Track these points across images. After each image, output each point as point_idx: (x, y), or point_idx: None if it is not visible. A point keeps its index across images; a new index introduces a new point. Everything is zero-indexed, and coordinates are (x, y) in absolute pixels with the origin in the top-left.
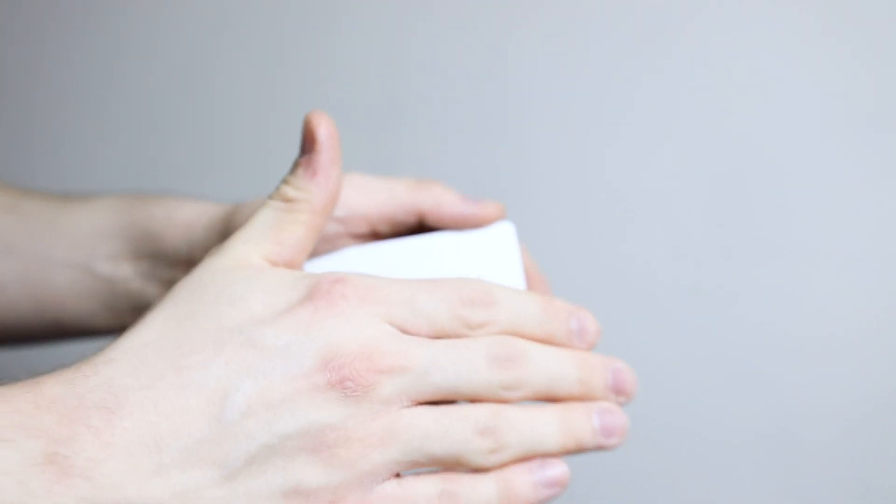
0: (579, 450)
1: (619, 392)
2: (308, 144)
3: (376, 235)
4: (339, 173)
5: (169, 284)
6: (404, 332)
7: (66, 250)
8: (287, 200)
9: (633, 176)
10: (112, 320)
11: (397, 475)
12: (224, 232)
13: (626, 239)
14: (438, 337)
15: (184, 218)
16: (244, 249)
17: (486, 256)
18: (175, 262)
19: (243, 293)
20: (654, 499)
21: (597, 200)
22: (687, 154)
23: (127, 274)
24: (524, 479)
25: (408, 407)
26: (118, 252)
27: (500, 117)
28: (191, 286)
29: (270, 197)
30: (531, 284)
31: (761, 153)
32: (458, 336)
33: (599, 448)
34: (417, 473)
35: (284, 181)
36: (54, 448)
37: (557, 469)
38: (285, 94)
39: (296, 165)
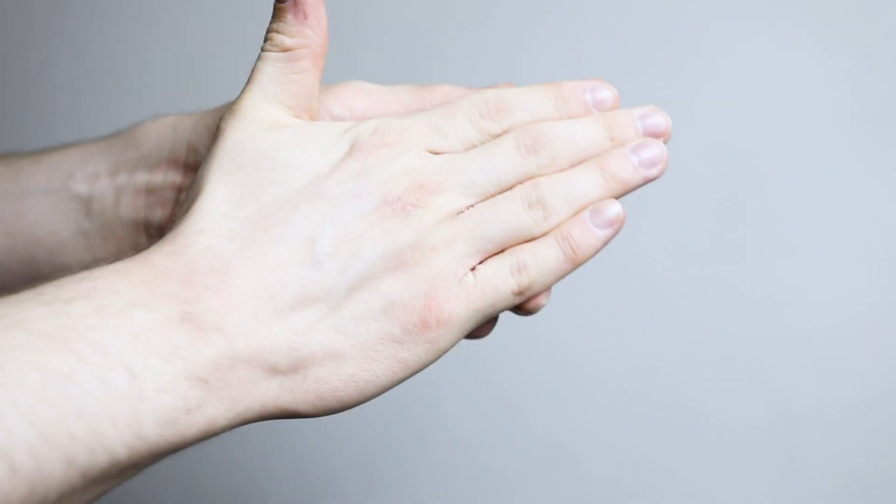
0: (626, 189)
1: (653, 135)
2: None
3: None
4: (325, 11)
5: (147, 191)
6: (441, 153)
7: (46, 178)
8: (285, 49)
9: None
10: (84, 252)
11: (474, 269)
12: (215, 122)
13: (630, 236)
14: (471, 148)
15: (170, 119)
16: (267, 109)
17: None
18: (156, 164)
19: (297, 155)
20: (656, 495)
21: None
22: (689, 153)
23: (104, 190)
24: (580, 228)
25: (464, 210)
26: (97, 169)
27: None
28: (239, 156)
29: (264, 49)
30: None
31: (765, 152)
32: (486, 143)
33: (646, 181)
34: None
35: (274, 30)
36: (185, 308)
37: (610, 209)
38: None
39: (280, 12)
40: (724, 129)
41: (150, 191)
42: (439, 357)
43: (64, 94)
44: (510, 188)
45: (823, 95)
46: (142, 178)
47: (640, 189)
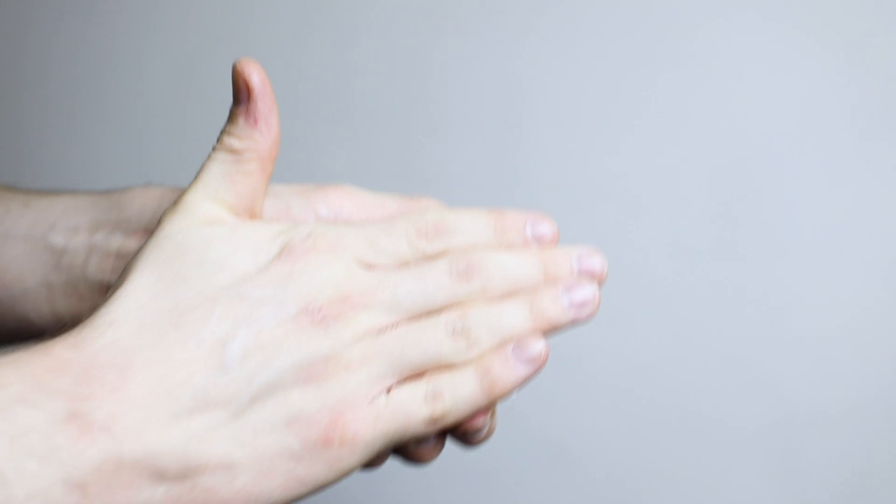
0: (553, 328)
1: (588, 276)
2: (242, 93)
3: None
4: (278, 118)
5: (118, 255)
6: (372, 268)
7: (29, 224)
8: (233, 151)
9: (637, 175)
10: (44, 305)
11: (389, 390)
12: None
13: (629, 236)
14: (404, 267)
15: (159, 190)
16: (206, 206)
17: None
18: (135, 230)
19: (226, 253)
20: (656, 495)
21: (601, 199)
22: (691, 154)
23: (78, 245)
24: (501, 362)
25: (386, 330)
26: (78, 223)
27: (509, 116)
28: (169, 248)
29: (215, 149)
30: None
31: (765, 153)
32: (421, 263)
33: (574, 322)
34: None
35: (226, 132)
36: (75, 406)
37: (534, 347)
38: (293, 99)
39: (234, 115)
40: (723, 130)
41: (120, 255)
42: (340, 478)
43: (60, 96)
44: (437, 312)
45: (823, 96)
46: (116, 240)
47: (643, 189)
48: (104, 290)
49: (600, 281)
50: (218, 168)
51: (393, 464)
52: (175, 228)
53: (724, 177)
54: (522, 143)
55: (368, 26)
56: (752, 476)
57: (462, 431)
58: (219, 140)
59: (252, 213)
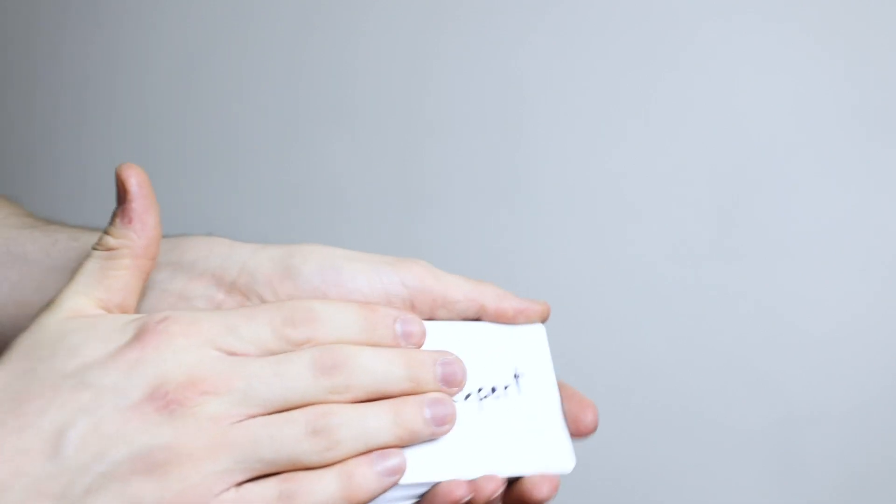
0: (413, 440)
1: (449, 384)
2: (121, 195)
3: None
4: (156, 218)
5: (180, 296)
6: (232, 355)
7: (78, 257)
8: (108, 249)
9: (636, 176)
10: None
11: (239, 485)
12: (281, 279)
13: (630, 238)
14: (264, 356)
15: (227, 240)
16: (76, 301)
17: (522, 351)
18: (200, 274)
19: (78, 343)
20: (656, 495)
21: (602, 200)
22: (691, 155)
23: (80, 244)
24: (365, 469)
25: (239, 421)
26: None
27: (509, 116)
28: (28, 343)
29: (93, 247)
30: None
31: (764, 154)
32: (284, 353)
33: (433, 437)
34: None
35: (105, 231)
36: None
37: (396, 459)
38: (293, 99)
39: (113, 216)
40: (723, 132)
41: (182, 296)
42: None
43: (67, 96)
44: (296, 408)
45: (822, 97)
46: (179, 282)
47: (645, 190)
48: None
49: (458, 388)
50: (92, 265)
51: None
52: (41, 324)
53: (724, 178)
54: (522, 144)
55: (368, 26)
56: (752, 476)
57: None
58: (98, 239)
59: (124, 309)
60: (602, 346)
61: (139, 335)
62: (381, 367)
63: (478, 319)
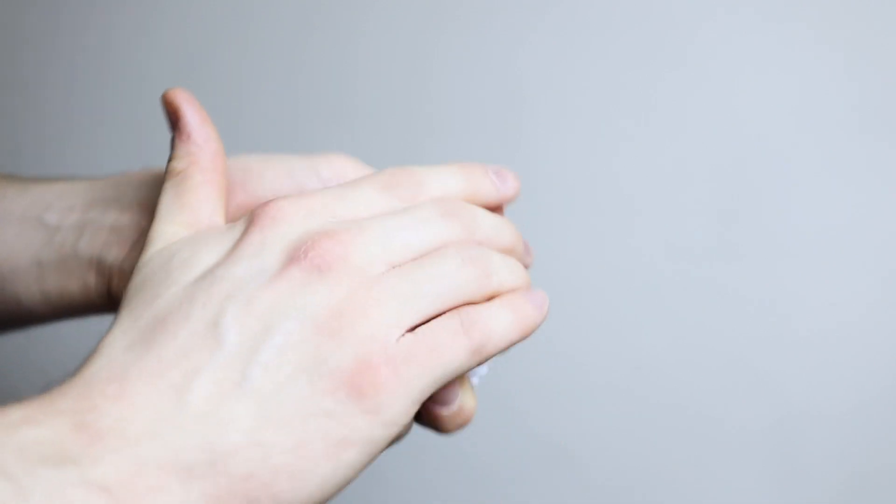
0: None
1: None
2: (173, 117)
3: None
4: (214, 130)
5: (111, 229)
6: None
7: (25, 207)
8: (176, 173)
9: (637, 174)
10: (33, 283)
11: (413, 329)
12: None
13: (630, 237)
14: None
15: (156, 170)
16: (165, 230)
17: None
18: (129, 204)
19: (189, 255)
20: (656, 495)
21: (602, 197)
22: (691, 153)
23: (71, 222)
24: (524, 302)
25: (388, 269)
26: (73, 203)
27: (509, 116)
28: (138, 280)
29: (165, 180)
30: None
31: (765, 152)
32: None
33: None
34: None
35: (168, 160)
36: (79, 418)
37: (539, 295)
38: (293, 99)
39: (171, 142)
40: (723, 130)
41: (114, 229)
42: (394, 432)
43: (58, 95)
44: (437, 252)
45: (823, 95)
46: (111, 216)
47: (644, 188)
48: (93, 266)
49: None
50: (166, 194)
51: (392, 463)
52: (142, 262)
53: (724, 177)
54: (522, 144)
55: (368, 26)
56: (752, 476)
57: (435, 413)
58: (165, 171)
59: (211, 225)
60: (601, 344)
61: (253, 223)
62: (494, 222)
63: None
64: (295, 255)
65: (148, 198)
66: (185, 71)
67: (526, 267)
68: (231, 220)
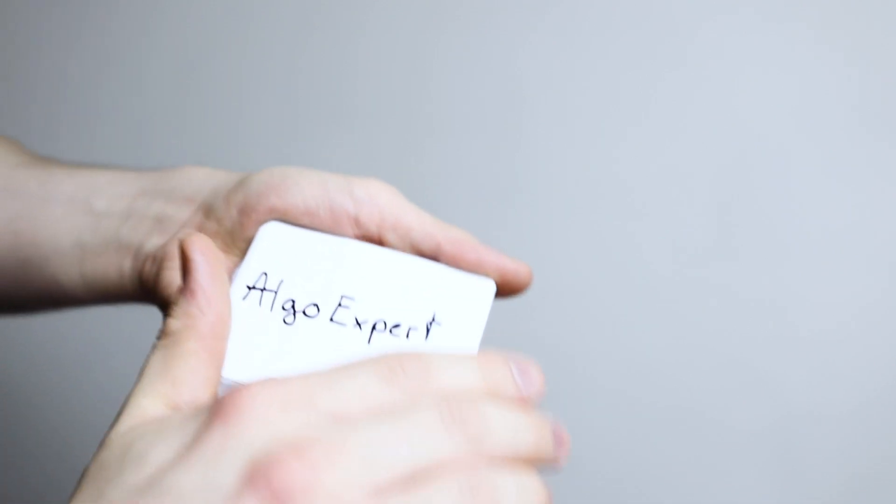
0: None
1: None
2: (184, 268)
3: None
4: (224, 291)
5: (156, 219)
6: (337, 417)
7: (73, 189)
8: (170, 334)
9: (637, 175)
10: (72, 266)
11: None
12: (234, 191)
13: (630, 236)
14: (378, 414)
15: (208, 168)
16: (140, 405)
17: (451, 300)
18: (178, 198)
19: (143, 450)
20: (656, 495)
21: (603, 198)
22: (691, 153)
23: (118, 209)
24: None
25: (368, 496)
26: (124, 191)
27: (509, 116)
28: (94, 467)
29: (157, 338)
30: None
31: (764, 153)
32: (401, 408)
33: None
34: None
35: (165, 314)
36: None
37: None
38: (293, 99)
39: (175, 295)
40: (723, 130)
41: (158, 219)
42: None
43: (57, 94)
44: (432, 473)
45: (823, 95)
46: (157, 206)
47: (645, 188)
48: (131, 252)
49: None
50: (155, 358)
51: None
52: (105, 443)
53: (724, 177)
54: (522, 143)
55: (368, 26)
56: (751, 476)
57: None
58: (160, 329)
59: (196, 398)
60: (601, 344)
61: (214, 414)
62: (510, 426)
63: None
64: (254, 477)
65: (195, 193)
66: (185, 71)
67: (555, 463)
68: (255, 226)
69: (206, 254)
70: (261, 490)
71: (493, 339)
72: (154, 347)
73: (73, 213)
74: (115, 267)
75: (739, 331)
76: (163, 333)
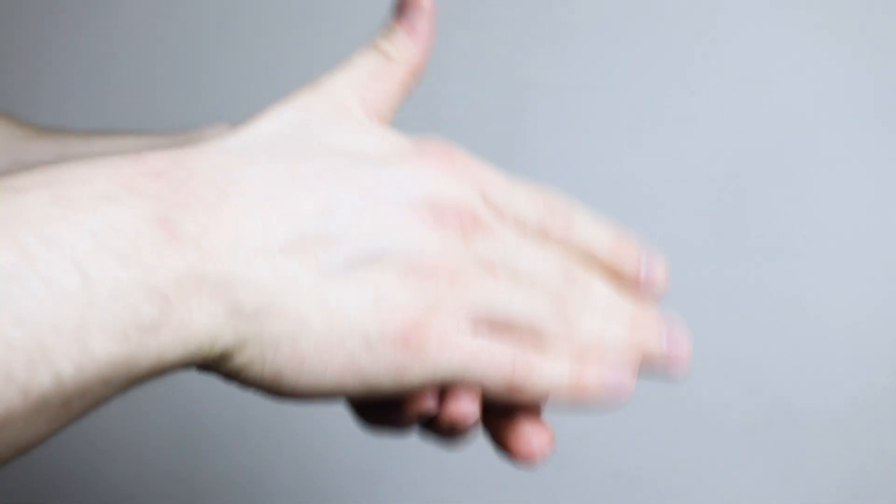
0: (646, 360)
1: (672, 357)
2: (408, 6)
3: None
4: (433, 43)
5: None
6: (496, 211)
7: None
8: (386, 55)
9: (640, 174)
10: None
11: (475, 328)
12: None
13: (632, 235)
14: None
15: (226, 125)
16: (344, 94)
17: None
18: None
19: (351, 130)
20: (655, 495)
21: (602, 198)
22: (692, 153)
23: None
24: (596, 370)
25: (495, 269)
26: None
27: (510, 116)
28: (297, 120)
29: (366, 48)
30: None
31: (765, 152)
32: (537, 240)
33: (665, 362)
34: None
35: (382, 37)
36: (164, 212)
37: (627, 381)
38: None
39: (393, 27)
40: (727, 128)
41: None
42: (394, 391)
43: (55, 94)
44: (537, 296)
45: (826, 95)
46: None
47: (645, 188)
48: None
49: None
50: (366, 62)
51: (394, 463)
52: (309, 103)
53: (724, 177)
54: (523, 143)
55: (368, 26)
56: (751, 476)
57: (449, 423)
58: (373, 43)
59: (382, 118)
60: None
61: (422, 149)
62: (613, 304)
63: None
64: (435, 205)
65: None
66: (185, 70)
67: (667, 367)
68: None
69: (432, 4)
70: (436, 214)
71: None
72: (362, 53)
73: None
74: None
75: (739, 328)
76: (376, 49)
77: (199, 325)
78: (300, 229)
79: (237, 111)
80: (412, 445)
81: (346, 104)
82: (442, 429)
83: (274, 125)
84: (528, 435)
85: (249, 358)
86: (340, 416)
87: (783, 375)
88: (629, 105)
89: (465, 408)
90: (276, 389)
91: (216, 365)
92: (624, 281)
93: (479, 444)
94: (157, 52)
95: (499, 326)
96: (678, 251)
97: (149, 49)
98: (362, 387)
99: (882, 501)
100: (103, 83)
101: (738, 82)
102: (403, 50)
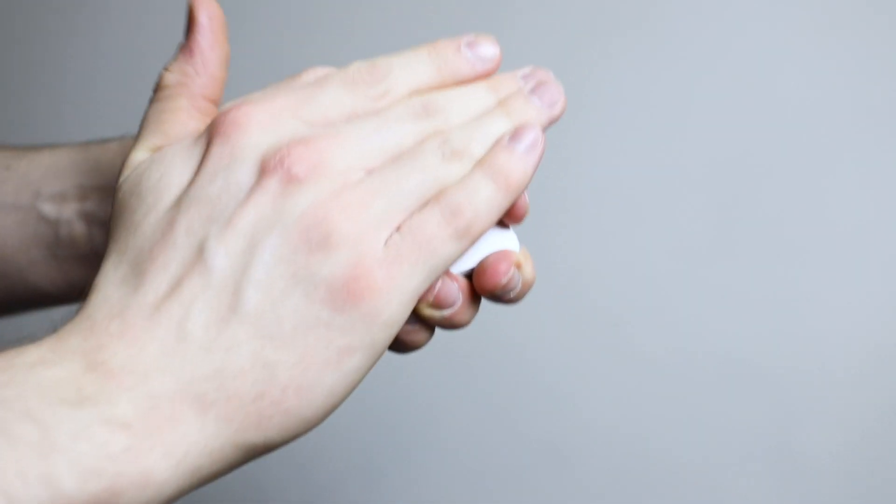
0: (527, 119)
1: (542, 96)
2: (189, 27)
3: None
4: (222, 57)
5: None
6: (318, 125)
7: (14, 191)
8: (164, 87)
9: (636, 174)
10: (57, 274)
11: (399, 228)
12: None
13: (630, 236)
14: (354, 118)
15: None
16: (139, 157)
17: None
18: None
19: (158, 177)
20: (654, 495)
21: (602, 198)
22: (691, 153)
23: (71, 215)
24: (504, 155)
25: (368, 171)
26: (65, 190)
27: None
28: (115, 210)
29: (153, 90)
30: None
31: (766, 152)
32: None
33: (550, 121)
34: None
35: (164, 68)
36: (91, 358)
37: (529, 133)
38: None
39: (178, 51)
40: (723, 129)
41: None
42: (394, 332)
43: (52, 92)
44: (411, 147)
45: (825, 95)
46: (109, 207)
47: (645, 188)
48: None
49: (558, 103)
50: (150, 112)
51: (393, 463)
52: (119, 188)
53: (724, 177)
54: None
55: (368, 26)
56: (751, 476)
57: (490, 286)
58: (156, 81)
59: (203, 116)
60: (600, 344)
61: (216, 133)
62: (469, 99)
63: None
64: (269, 166)
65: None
66: None
67: (552, 116)
68: None
69: (213, 18)
70: (277, 173)
71: (493, 337)
72: (150, 102)
73: (27, 223)
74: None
75: (739, 329)
76: (158, 87)
77: (176, 437)
78: (201, 299)
79: None
80: (412, 445)
81: (141, 158)
82: (491, 295)
83: (112, 239)
84: (496, 263)
85: (249, 426)
86: (340, 415)
87: (783, 375)
88: (629, 105)
89: (447, 289)
90: (296, 425)
91: (234, 455)
92: (466, 80)
93: (480, 443)
94: (152, 54)
95: (414, 208)
96: (678, 251)
97: (145, 49)
98: (364, 358)
99: (882, 501)
100: (95, 86)
101: (738, 82)
102: (179, 74)
